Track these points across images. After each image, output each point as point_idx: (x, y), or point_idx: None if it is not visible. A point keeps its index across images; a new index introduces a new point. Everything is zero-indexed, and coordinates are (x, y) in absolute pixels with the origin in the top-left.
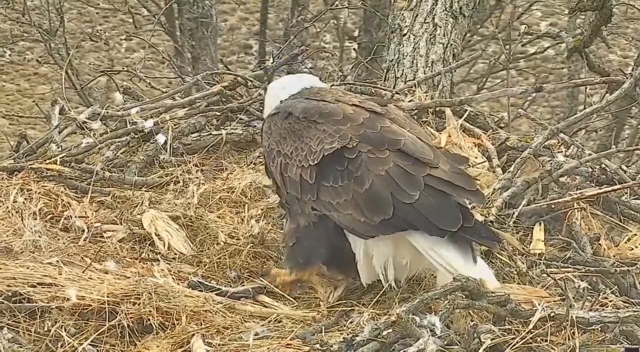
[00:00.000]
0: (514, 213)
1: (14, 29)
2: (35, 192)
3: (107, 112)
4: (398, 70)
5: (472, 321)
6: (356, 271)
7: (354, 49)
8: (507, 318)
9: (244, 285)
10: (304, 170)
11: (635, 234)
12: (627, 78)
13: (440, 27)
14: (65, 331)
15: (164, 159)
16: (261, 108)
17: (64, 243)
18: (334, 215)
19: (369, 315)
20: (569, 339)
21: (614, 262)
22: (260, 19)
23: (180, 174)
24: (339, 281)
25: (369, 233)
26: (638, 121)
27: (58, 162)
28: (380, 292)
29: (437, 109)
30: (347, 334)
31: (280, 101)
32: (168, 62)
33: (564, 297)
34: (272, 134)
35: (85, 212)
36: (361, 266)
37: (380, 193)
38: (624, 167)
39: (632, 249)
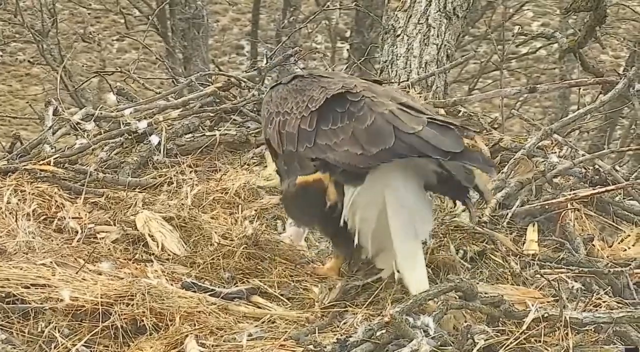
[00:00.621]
0: (507, 214)
1: (5, 29)
2: (29, 193)
3: (101, 113)
4: (392, 71)
5: (465, 321)
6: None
7: (347, 49)
8: (500, 319)
9: (237, 286)
10: (303, 120)
11: (629, 235)
12: (620, 79)
13: (434, 28)
14: (58, 331)
15: (157, 160)
16: (254, 109)
17: (57, 244)
18: (329, 156)
19: (362, 316)
20: (562, 339)
21: (608, 263)
22: (252, 20)
23: (174, 175)
24: (335, 281)
25: (364, 164)
26: (630, 121)
27: (52, 163)
28: (375, 293)
29: None
30: (341, 335)
31: None
32: (160, 63)
33: (558, 297)
34: (272, 100)
35: (79, 213)
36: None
37: (383, 128)
38: (617, 167)
39: (625, 249)
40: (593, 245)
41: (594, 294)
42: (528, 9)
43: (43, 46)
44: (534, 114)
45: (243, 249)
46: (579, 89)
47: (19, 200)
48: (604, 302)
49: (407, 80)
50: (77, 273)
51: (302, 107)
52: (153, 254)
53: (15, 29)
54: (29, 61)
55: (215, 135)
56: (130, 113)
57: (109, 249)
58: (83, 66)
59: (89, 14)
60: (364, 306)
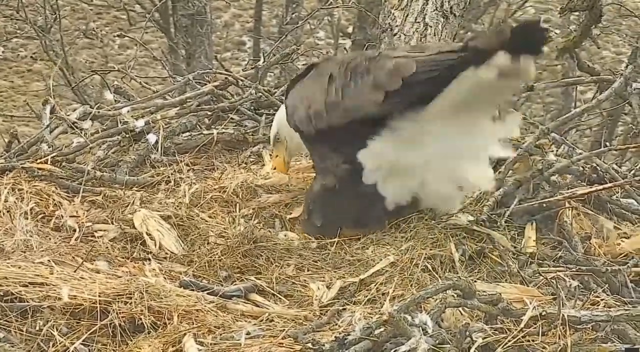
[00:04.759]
0: (505, 212)
1: (7, 25)
2: (27, 191)
3: (98, 112)
4: None
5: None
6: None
7: (348, 46)
8: (498, 317)
9: (235, 284)
10: (328, 93)
11: (620, 229)
12: (617, 77)
13: (431, 26)
14: (56, 330)
15: (155, 158)
16: (252, 107)
17: (55, 243)
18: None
19: (361, 314)
20: (560, 337)
21: (605, 261)
22: (254, 16)
23: (172, 174)
24: (334, 279)
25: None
26: (632, 119)
27: (49, 162)
28: (372, 290)
29: None
30: (339, 333)
31: None
32: (161, 60)
33: (556, 296)
34: (293, 94)
35: (77, 212)
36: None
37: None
38: (615, 166)
39: (619, 244)
40: (590, 243)
41: (592, 293)
42: (530, 6)
43: (46, 42)
44: (535, 109)
45: (240, 247)
46: (576, 87)
47: (16, 198)
48: (601, 300)
49: None
50: (75, 271)
51: (324, 85)
52: (151, 252)
53: (18, 25)
54: (31, 57)
55: (212, 133)
56: (128, 112)
57: (107, 247)
58: (86, 62)
59: (90, 9)
60: (362, 304)
